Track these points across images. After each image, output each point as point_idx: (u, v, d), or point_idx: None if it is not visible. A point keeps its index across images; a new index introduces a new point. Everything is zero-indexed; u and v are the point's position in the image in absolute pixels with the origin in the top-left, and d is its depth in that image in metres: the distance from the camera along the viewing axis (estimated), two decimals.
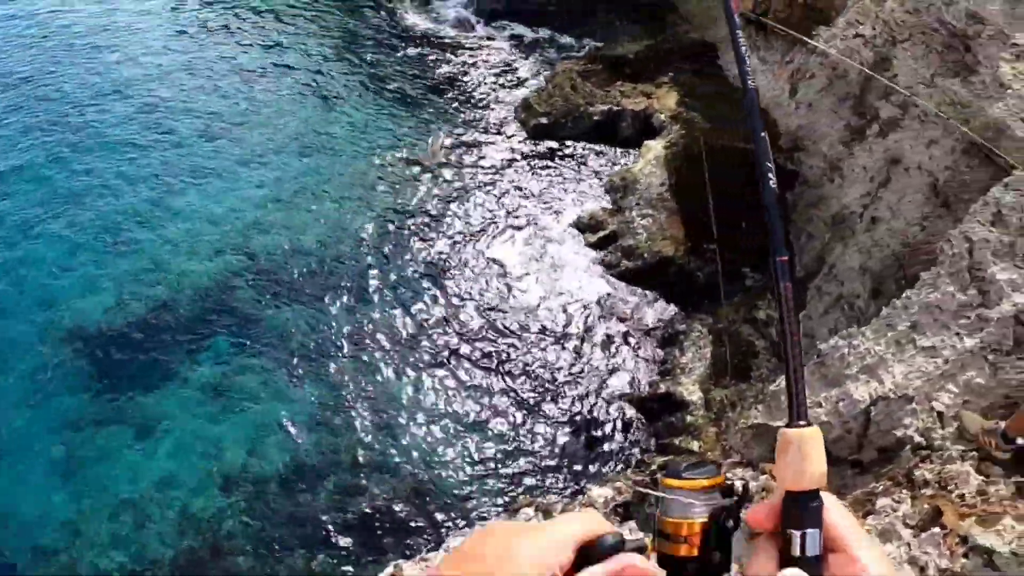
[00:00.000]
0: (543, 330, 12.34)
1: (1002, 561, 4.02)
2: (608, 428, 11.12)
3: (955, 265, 6.33)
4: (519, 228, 14.06)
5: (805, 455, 1.03)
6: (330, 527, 9.93)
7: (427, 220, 14.28)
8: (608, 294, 12.76)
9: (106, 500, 10.22)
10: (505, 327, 12.37)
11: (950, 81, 8.94)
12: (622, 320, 12.42)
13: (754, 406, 8.73)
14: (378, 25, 20.73)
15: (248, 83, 18.20)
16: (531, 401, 11.42)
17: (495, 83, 18.28)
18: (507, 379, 11.68)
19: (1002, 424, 5.00)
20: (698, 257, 12.56)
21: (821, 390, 6.48)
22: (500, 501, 10.28)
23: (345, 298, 12.80)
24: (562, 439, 11.02)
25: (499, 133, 16.49)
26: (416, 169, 15.49)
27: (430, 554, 8.57)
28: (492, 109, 17.34)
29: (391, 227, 14.12)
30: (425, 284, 13.09)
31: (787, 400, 1.09)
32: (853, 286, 9.89)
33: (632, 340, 12.19)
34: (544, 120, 16.16)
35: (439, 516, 10.09)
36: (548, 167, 15.46)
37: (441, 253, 13.63)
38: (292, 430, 10.94)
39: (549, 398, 11.45)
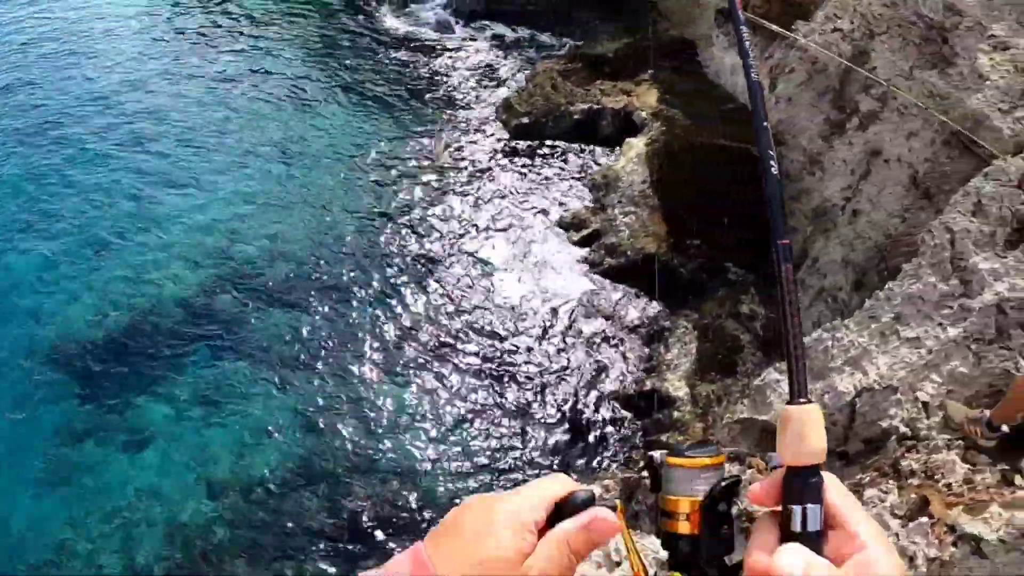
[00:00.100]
0: (528, 330, 12.33)
1: (990, 549, 4.03)
2: (595, 426, 11.11)
3: (937, 256, 6.35)
4: (502, 228, 14.04)
5: (806, 431, 1.04)
6: (319, 533, 9.87)
7: (409, 222, 14.24)
8: (592, 292, 12.76)
9: (93, 511, 10.14)
10: (490, 328, 12.35)
11: (928, 73, 8.97)
12: (607, 318, 12.42)
13: (740, 400, 8.75)
14: (356, 29, 20.70)
15: (226, 90, 18.12)
16: (518, 401, 11.40)
17: (476, 84, 18.28)
18: (493, 379, 11.66)
19: (987, 412, 5.02)
20: (681, 253, 12.58)
21: (806, 383, 6.47)
22: None
23: (329, 303, 12.75)
24: (549, 438, 11.00)
25: (481, 133, 16.47)
26: (396, 172, 15.46)
27: None
28: (473, 110, 17.35)
29: (373, 230, 14.08)
30: (409, 287, 13.05)
31: (788, 378, 1.10)
32: (836, 279, 9.92)
33: (617, 338, 12.19)
34: (525, 120, 16.17)
35: (427, 517, 10.06)
36: (530, 167, 15.45)
37: (424, 255, 13.59)
38: (279, 436, 10.88)
39: (535, 397, 11.43)
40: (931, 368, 5.81)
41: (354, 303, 12.79)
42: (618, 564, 4.76)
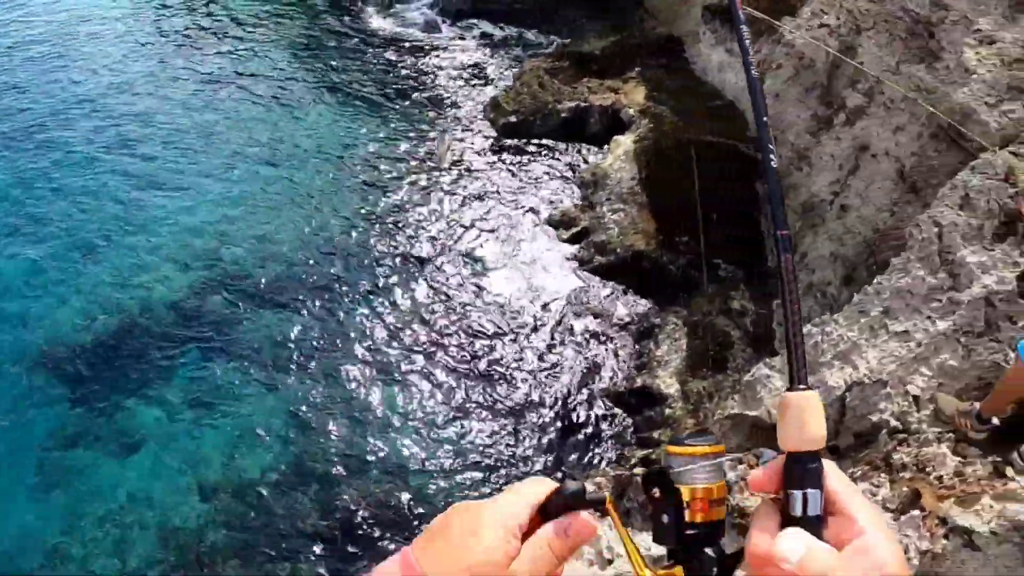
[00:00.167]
0: (518, 328, 12.32)
1: (982, 541, 4.06)
2: (586, 424, 11.11)
3: (925, 249, 6.38)
4: (492, 227, 14.03)
5: (806, 417, 1.05)
6: (311, 534, 9.84)
7: (398, 222, 14.22)
8: (582, 289, 12.76)
9: (85, 515, 10.08)
10: (480, 327, 12.34)
11: (915, 68, 9.01)
12: (597, 315, 12.42)
13: (731, 396, 8.77)
14: (342, 30, 20.66)
15: (213, 92, 18.05)
16: (508, 399, 11.40)
17: (463, 83, 18.26)
18: (484, 378, 11.66)
19: (977, 405, 5.05)
20: (670, 250, 12.60)
21: (806, 370, 6.48)
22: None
23: (319, 303, 12.72)
24: (540, 436, 11.00)
25: (469, 132, 16.46)
26: (385, 172, 15.43)
27: None
28: (461, 109, 17.33)
29: (362, 230, 14.05)
30: (398, 286, 13.03)
31: (787, 365, 1.12)
32: (825, 273, 9.96)
33: (608, 335, 12.20)
34: (513, 118, 16.16)
35: (419, 517, 10.04)
36: (519, 165, 15.45)
37: (413, 254, 13.57)
38: (270, 437, 10.85)
39: (526, 396, 11.43)
40: (921, 361, 5.83)
41: (344, 303, 12.76)
42: (610, 562, 4.77)
